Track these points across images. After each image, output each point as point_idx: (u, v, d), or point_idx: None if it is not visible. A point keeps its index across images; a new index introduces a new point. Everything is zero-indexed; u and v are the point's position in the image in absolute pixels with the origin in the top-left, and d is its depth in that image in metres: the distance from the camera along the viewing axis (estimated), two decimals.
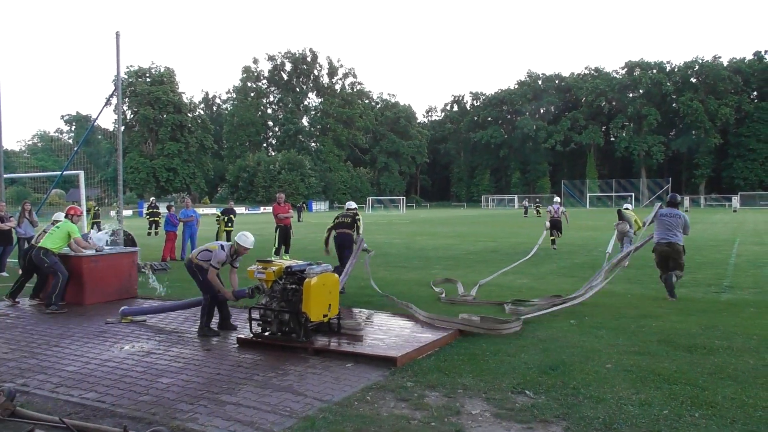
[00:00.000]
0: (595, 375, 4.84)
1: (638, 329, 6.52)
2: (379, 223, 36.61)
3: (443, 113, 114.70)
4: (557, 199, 19.42)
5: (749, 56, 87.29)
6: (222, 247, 6.66)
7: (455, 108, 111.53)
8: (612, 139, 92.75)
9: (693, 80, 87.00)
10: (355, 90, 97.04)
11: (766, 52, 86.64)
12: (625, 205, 14.16)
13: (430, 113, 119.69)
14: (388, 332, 6.24)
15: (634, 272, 11.40)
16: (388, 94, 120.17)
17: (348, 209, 10.31)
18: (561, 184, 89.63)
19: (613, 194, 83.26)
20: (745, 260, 13.36)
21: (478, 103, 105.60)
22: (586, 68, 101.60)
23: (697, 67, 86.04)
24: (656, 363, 5.17)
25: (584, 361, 5.26)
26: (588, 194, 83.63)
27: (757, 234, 22.80)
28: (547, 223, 17.04)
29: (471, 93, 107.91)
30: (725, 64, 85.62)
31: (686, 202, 58.36)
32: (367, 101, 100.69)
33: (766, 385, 4.55)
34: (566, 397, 4.32)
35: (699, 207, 66.05)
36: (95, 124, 38.40)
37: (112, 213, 19.55)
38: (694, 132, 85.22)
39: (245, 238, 6.66)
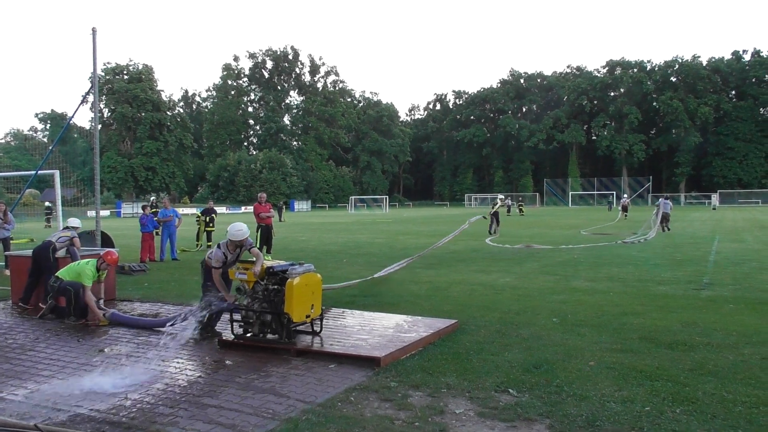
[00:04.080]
0: (578, 373, 4.89)
1: (620, 327, 6.59)
2: (362, 222, 36.60)
3: (426, 112, 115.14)
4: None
5: (728, 56, 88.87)
6: (219, 245, 6.49)
7: (438, 106, 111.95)
8: (594, 137, 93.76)
9: (673, 79, 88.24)
10: (337, 88, 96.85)
11: (743, 51, 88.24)
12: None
13: (412, 112, 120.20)
14: (372, 332, 6.24)
15: (617, 270, 11.53)
16: (371, 92, 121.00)
17: None
18: (543, 182, 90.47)
19: (595, 192, 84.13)
20: (725, 257, 13.57)
21: (461, 102, 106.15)
22: (568, 67, 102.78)
23: (677, 66, 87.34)
24: (638, 360, 5.24)
25: (567, 359, 5.31)
26: (570, 193, 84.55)
27: (736, 231, 23.19)
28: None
29: (454, 91, 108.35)
30: (704, 63, 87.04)
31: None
32: (349, 99, 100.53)
33: (745, 381, 4.64)
34: (550, 395, 4.36)
35: (679, 205, 66.93)
36: (71, 122, 37.93)
37: (90, 213, 19.27)
38: (674, 131, 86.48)
39: (234, 230, 6.39)
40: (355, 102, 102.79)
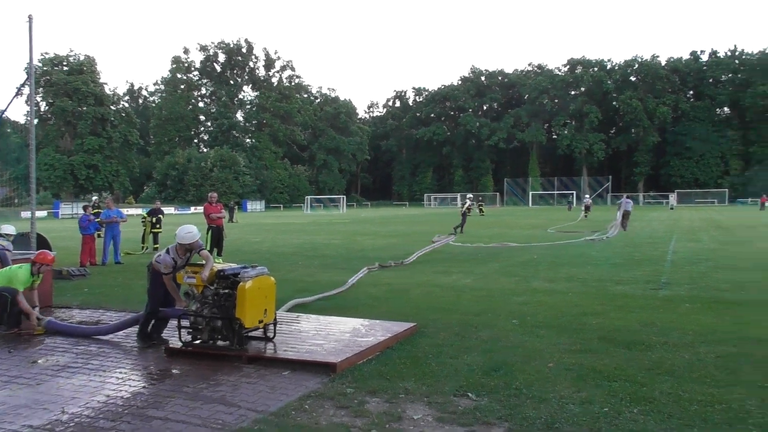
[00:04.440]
0: (538, 375, 4.98)
1: (579, 327, 6.75)
2: (318, 223, 36.43)
3: (385, 109, 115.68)
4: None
5: (686, 56, 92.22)
6: (168, 250, 6.26)
7: (397, 104, 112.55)
8: (554, 136, 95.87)
9: (633, 79, 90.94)
10: (293, 83, 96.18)
11: (701, 52, 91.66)
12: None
13: (371, 109, 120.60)
14: (328, 337, 6.21)
15: (576, 270, 11.80)
16: (328, 88, 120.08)
17: None
18: (504, 182, 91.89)
19: (555, 192, 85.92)
20: (681, 257, 14.06)
21: (421, 99, 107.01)
22: (529, 65, 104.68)
23: (636, 65, 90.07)
24: (597, 360, 5.37)
25: (527, 361, 5.40)
26: (530, 192, 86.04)
27: (693, 231, 24.04)
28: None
29: (414, 88, 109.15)
30: (663, 63, 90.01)
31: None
32: (305, 95, 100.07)
33: (700, 380, 4.81)
34: (509, 398, 4.42)
35: (638, 205, 68.99)
36: (4, 116, 36.63)
37: (24, 214, 18.60)
38: (633, 130, 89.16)
39: (183, 232, 6.19)
40: (311, 98, 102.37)
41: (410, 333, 6.51)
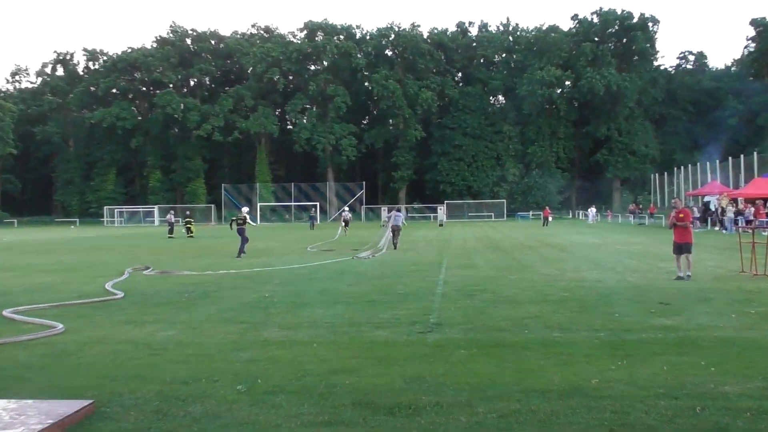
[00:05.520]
0: None
1: (328, 391, 6.98)
2: None
3: (40, 79, 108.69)
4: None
5: (452, 27, 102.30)
6: None
7: (60, 71, 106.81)
8: (290, 126, 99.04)
9: (389, 53, 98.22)
10: None
11: (470, 24, 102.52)
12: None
13: (17, 77, 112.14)
14: None
15: (323, 312, 12.27)
16: None
17: None
18: (222, 189, 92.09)
19: (293, 204, 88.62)
20: (454, 288, 15.50)
21: (98, 67, 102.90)
22: (253, 26, 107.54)
23: (392, 36, 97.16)
24: None
25: None
26: (259, 204, 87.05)
27: (466, 254, 26.74)
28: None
29: (85, 51, 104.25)
30: (425, 35, 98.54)
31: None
32: None
33: None
34: None
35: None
36: None
37: None
38: (392, 121, 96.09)
39: None
40: None
41: (84, 416, 6.15)
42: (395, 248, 27.93)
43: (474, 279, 17.55)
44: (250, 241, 27.57)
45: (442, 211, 72.68)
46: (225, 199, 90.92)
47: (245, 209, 29.16)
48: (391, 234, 28.89)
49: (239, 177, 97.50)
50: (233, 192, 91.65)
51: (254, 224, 28.97)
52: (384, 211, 66.02)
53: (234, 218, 28.55)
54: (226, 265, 22.58)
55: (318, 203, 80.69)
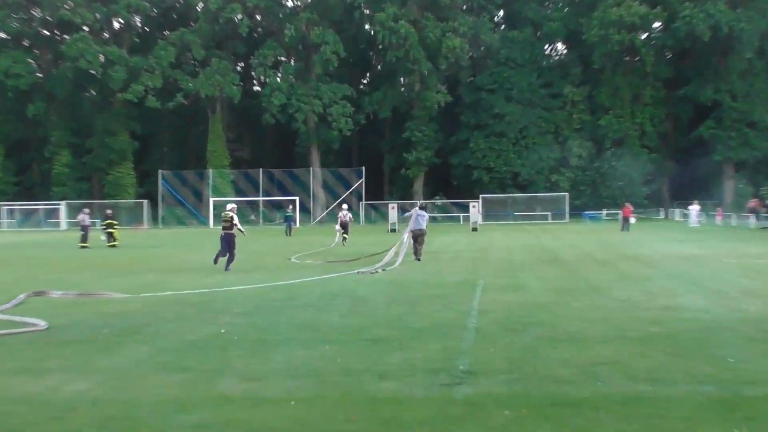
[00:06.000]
0: None
1: None
2: None
3: None
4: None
5: None
6: None
7: None
8: (257, 88, 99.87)
9: None
10: None
11: None
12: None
13: None
14: None
15: (303, 353, 12.17)
16: None
17: None
18: (158, 177, 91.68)
19: (261, 198, 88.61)
20: (493, 320, 15.32)
21: None
22: None
23: None
24: None
25: None
26: (212, 199, 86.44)
27: (511, 270, 26.56)
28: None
29: None
30: None
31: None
32: None
33: None
34: None
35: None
36: None
37: None
38: (403, 80, 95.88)
39: None
40: None
41: None
42: (418, 259, 27.86)
43: (522, 306, 17.39)
44: (195, 253, 27.53)
45: (476, 209, 71.36)
46: (163, 191, 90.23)
47: (230, 206, 28.59)
48: (412, 240, 28.67)
49: (184, 160, 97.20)
50: (175, 182, 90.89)
51: (243, 232, 28.53)
52: (392, 209, 65.03)
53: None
54: (168, 285, 22.44)
55: (298, 198, 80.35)
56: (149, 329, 15.04)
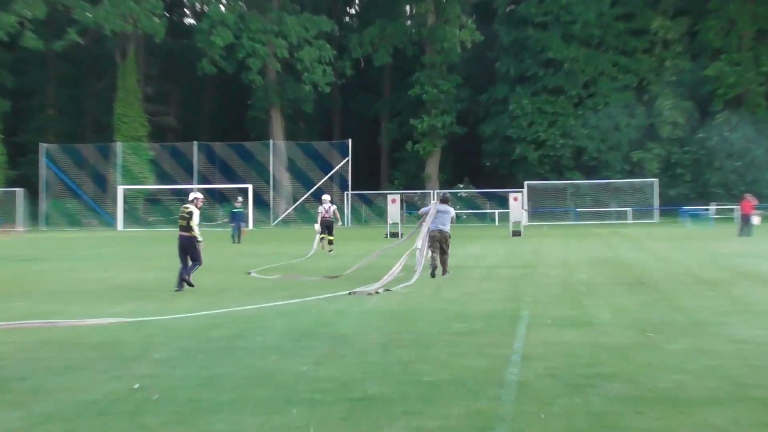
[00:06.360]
0: None
1: None
2: None
3: None
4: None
5: None
6: None
7: None
8: (190, 22, 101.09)
9: None
10: None
11: None
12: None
13: None
14: None
15: (254, 426, 12.06)
16: None
17: None
18: (39, 154, 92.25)
19: (196, 186, 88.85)
20: (545, 370, 15.17)
21: None
22: None
23: None
24: None
25: None
26: (121, 187, 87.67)
27: (570, 295, 26.61)
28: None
29: None
30: None
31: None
32: None
33: None
34: None
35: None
36: None
37: None
38: (409, 11, 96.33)
39: None
40: None
41: None
42: (441, 273, 27.82)
43: (589, 351, 17.25)
44: (106, 267, 27.47)
45: (518, 202, 71.03)
46: (47, 174, 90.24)
47: (193, 196, 27.91)
48: (428, 245, 28.43)
49: (78, 129, 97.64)
50: (65, 161, 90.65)
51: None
52: (393, 203, 64.46)
53: None
54: (56, 317, 22.36)
55: (251, 186, 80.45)
56: (23, 385, 14.91)
